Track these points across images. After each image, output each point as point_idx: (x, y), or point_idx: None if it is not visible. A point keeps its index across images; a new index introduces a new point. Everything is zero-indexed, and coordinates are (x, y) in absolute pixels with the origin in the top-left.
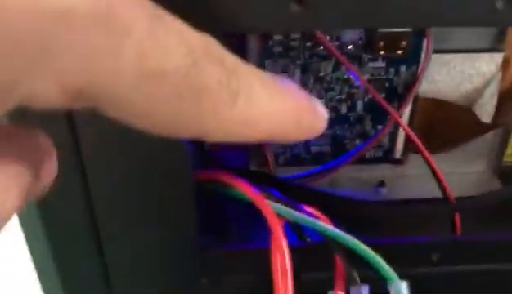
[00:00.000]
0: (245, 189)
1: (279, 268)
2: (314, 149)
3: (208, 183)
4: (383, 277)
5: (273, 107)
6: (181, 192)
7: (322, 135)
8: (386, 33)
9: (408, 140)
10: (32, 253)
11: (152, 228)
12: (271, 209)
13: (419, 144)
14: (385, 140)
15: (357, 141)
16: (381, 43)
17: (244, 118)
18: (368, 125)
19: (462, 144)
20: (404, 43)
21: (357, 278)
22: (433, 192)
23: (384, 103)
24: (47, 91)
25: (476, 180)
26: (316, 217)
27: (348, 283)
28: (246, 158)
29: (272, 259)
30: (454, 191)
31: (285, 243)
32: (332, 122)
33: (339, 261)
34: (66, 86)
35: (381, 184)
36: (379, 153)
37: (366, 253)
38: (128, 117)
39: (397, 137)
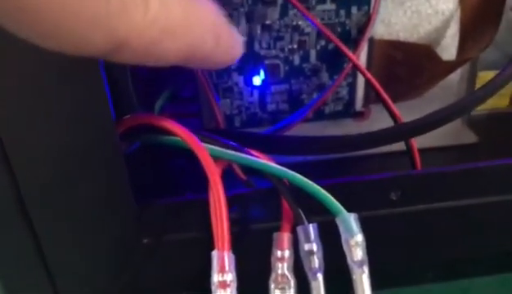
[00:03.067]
0: (177, 130)
1: (215, 213)
2: (271, 107)
3: (142, 132)
4: (330, 212)
5: (190, 16)
6: (104, 143)
7: (278, 92)
8: None
9: (368, 89)
10: None
11: (78, 187)
12: (206, 150)
13: (377, 85)
14: (344, 92)
15: (315, 95)
16: None
17: (160, 25)
18: (324, 76)
19: (426, 88)
20: None
21: (303, 217)
22: (401, 145)
23: (340, 44)
24: None
25: (446, 131)
26: (258, 157)
27: (295, 223)
28: (200, 124)
29: (210, 205)
30: (423, 144)
31: (220, 185)
32: (286, 76)
33: (285, 202)
34: None
35: None
36: (339, 107)
37: (310, 188)
38: (35, 23)
39: (357, 87)
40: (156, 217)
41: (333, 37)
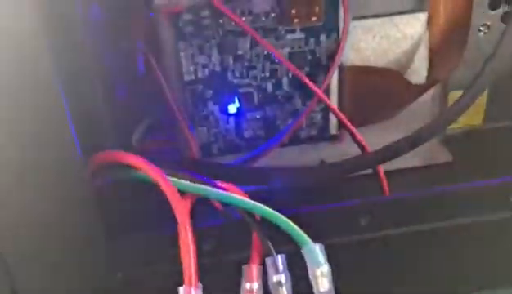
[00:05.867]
0: (143, 167)
1: (182, 251)
2: (247, 134)
3: (113, 168)
4: (297, 242)
5: None
6: (72, 182)
7: (253, 119)
8: (297, 0)
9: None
10: None
11: (49, 225)
12: (173, 187)
13: (341, 116)
14: (318, 117)
15: (290, 121)
16: (293, 11)
17: None
18: (298, 102)
19: (397, 111)
20: (317, 8)
21: (272, 249)
22: None
23: (306, 79)
24: None
25: (421, 151)
26: (227, 190)
27: (265, 255)
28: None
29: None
30: (398, 165)
31: (187, 224)
32: (260, 104)
33: (254, 234)
34: None
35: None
36: (314, 132)
37: (277, 219)
38: None
39: (330, 112)
40: (131, 251)
41: (298, 71)
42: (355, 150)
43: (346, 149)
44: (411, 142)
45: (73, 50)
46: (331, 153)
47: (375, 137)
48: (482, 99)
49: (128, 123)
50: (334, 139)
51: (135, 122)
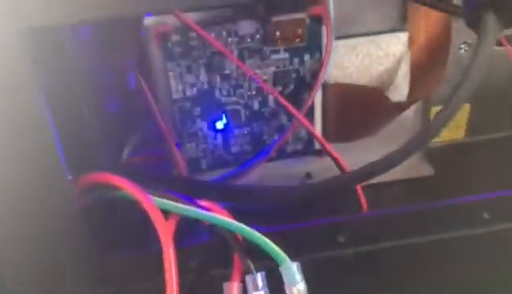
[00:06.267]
0: (126, 187)
1: (166, 266)
2: (235, 149)
3: (101, 188)
4: (275, 260)
5: None
6: (58, 202)
7: (240, 135)
8: (281, 22)
9: (326, 129)
10: None
11: (37, 241)
12: (155, 205)
13: (318, 136)
14: (303, 133)
15: (276, 136)
16: (278, 33)
17: None
18: (283, 119)
19: (380, 127)
20: (300, 31)
21: (252, 267)
22: None
23: (283, 101)
24: None
25: (404, 164)
26: (210, 210)
27: (245, 273)
28: (169, 167)
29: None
30: (381, 177)
31: (170, 245)
32: (247, 120)
33: (235, 252)
34: None
35: (308, 176)
36: (300, 146)
37: (256, 239)
38: None
39: (314, 128)
40: (117, 267)
41: (278, 95)
42: None
43: (331, 163)
44: (388, 163)
45: (61, 70)
46: (317, 166)
47: (357, 153)
48: (464, 113)
49: (118, 138)
50: (319, 153)
51: (125, 137)
